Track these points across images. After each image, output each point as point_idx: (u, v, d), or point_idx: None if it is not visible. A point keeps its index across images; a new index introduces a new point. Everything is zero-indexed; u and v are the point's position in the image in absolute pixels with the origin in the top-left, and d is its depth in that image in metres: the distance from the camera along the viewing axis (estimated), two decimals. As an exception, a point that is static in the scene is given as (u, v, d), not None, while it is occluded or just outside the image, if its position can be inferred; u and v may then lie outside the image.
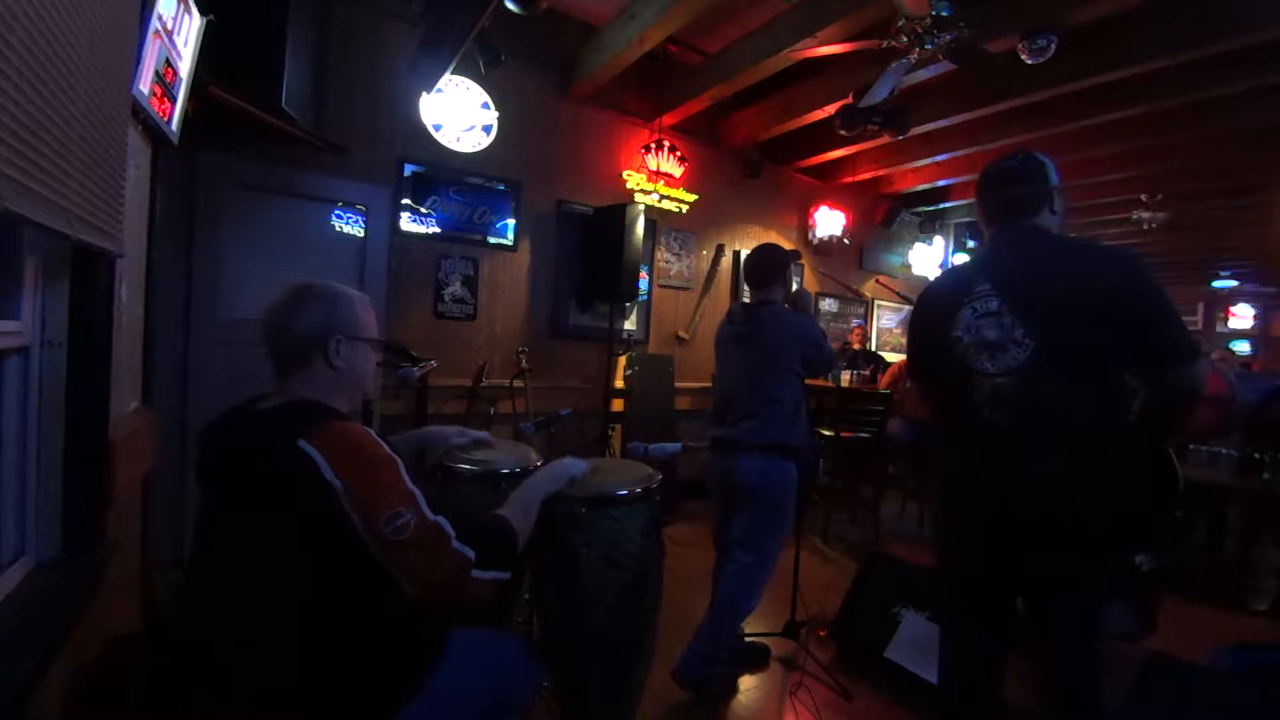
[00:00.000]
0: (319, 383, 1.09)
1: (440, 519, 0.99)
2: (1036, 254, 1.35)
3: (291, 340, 1.08)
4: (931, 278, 6.90)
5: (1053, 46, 2.97)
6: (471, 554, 1.00)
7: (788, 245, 5.44)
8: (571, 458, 1.49)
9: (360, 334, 1.13)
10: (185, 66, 1.75)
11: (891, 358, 5.74)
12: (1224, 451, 3.34)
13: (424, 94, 3.37)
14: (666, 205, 4.45)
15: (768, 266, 2.22)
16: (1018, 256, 1.36)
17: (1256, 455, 3.15)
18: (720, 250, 5.02)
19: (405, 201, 3.46)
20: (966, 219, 7.06)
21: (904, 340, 6.73)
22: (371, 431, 1.02)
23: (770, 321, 2.18)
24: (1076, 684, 1.29)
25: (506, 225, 3.86)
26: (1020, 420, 1.27)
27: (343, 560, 0.95)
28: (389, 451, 1.00)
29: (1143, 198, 5.89)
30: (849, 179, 5.62)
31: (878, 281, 6.48)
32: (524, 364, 3.66)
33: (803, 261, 5.54)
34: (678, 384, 4.59)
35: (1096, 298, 1.22)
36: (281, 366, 1.09)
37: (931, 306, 1.51)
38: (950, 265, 1.72)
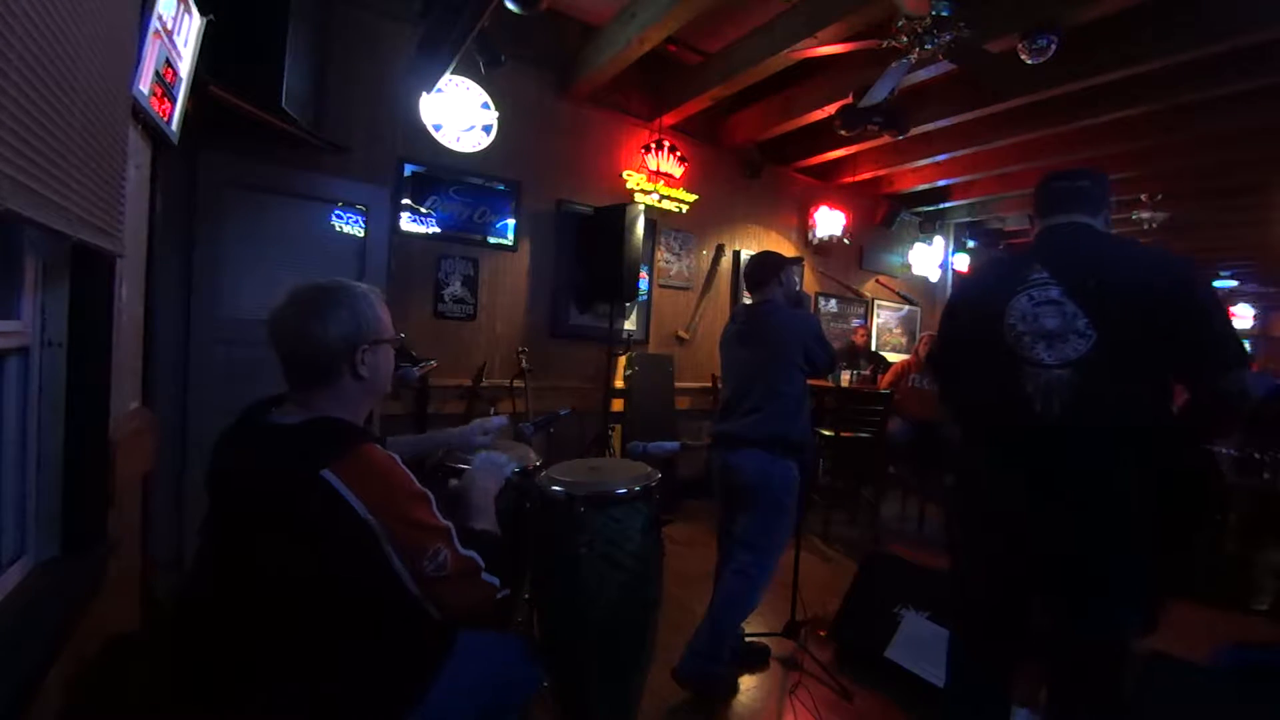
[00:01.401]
0: (346, 397, 1.04)
1: (471, 553, 0.99)
2: (1099, 248, 1.33)
3: (314, 354, 1.00)
4: (932, 278, 6.95)
5: (1053, 46, 2.96)
6: (497, 581, 1.03)
7: (789, 247, 5.47)
8: (487, 453, 1.39)
9: (384, 336, 1.08)
10: (185, 66, 1.75)
11: (893, 358, 5.75)
12: (1224, 451, 3.34)
13: (424, 94, 3.37)
14: (666, 205, 4.45)
15: (762, 268, 2.31)
16: (1079, 248, 1.34)
17: (1256, 455, 3.15)
18: (720, 250, 5.02)
19: (405, 201, 3.46)
20: (966, 219, 7.06)
21: (904, 340, 6.78)
22: (396, 458, 0.99)
23: (772, 318, 2.24)
24: (1103, 686, 1.27)
25: (506, 225, 3.86)
26: (1074, 414, 1.23)
27: (370, 589, 0.94)
28: (420, 486, 0.98)
29: (1143, 198, 5.89)
30: (849, 179, 5.62)
31: (878, 281, 6.49)
32: (524, 364, 3.66)
33: (804, 263, 5.54)
34: (678, 384, 4.59)
35: (1156, 297, 1.21)
36: (299, 380, 1.03)
37: (977, 293, 1.46)
38: (994, 258, 1.65)
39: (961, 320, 1.51)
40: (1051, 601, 1.34)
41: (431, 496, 0.99)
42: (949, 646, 1.54)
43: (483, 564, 1.01)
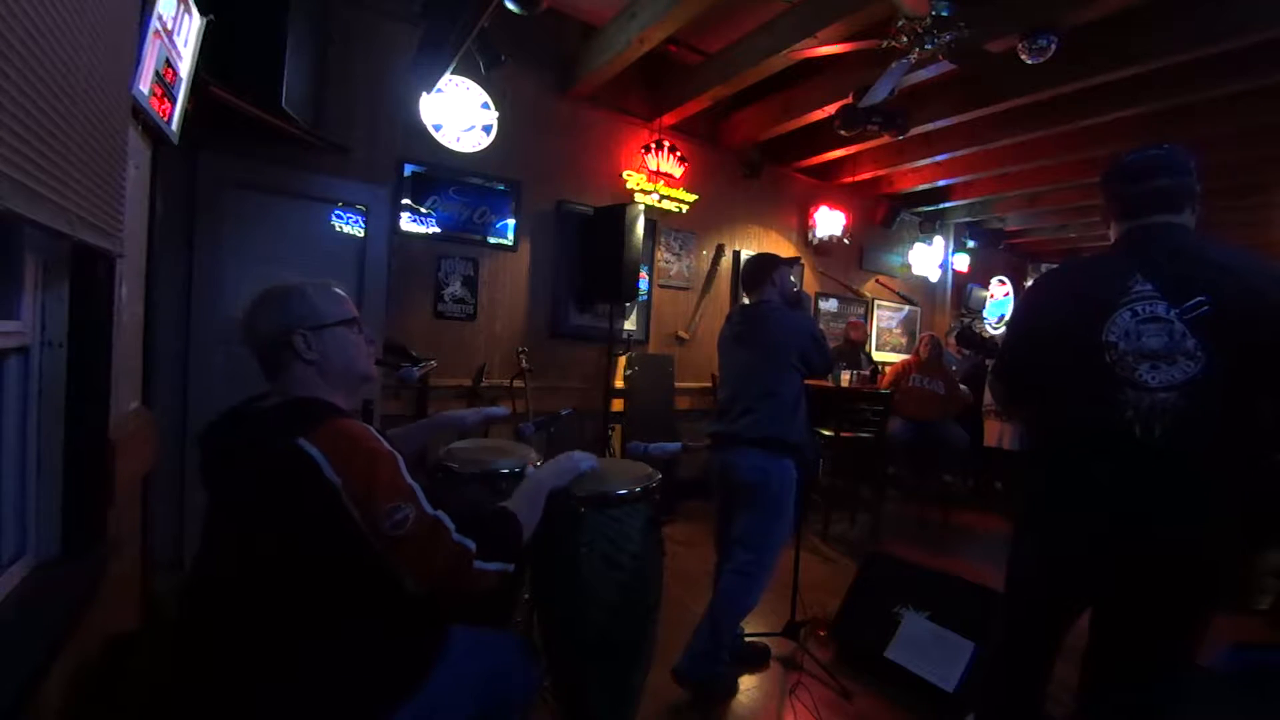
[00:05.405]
0: (308, 380, 1.09)
1: (440, 513, 0.99)
2: (1204, 256, 1.20)
3: (257, 345, 1.09)
4: (932, 278, 6.94)
5: (1053, 46, 2.96)
6: (472, 545, 1.00)
7: (788, 247, 5.46)
8: (581, 452, 1.48)
9: (325, 321, 1.11)
10: (185, 66, 1.75)
11: (892, 358, 5.75)
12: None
13: (424, 94, 3.37)
14: (666, 205, 4.45)
15: (755, 270, 2.32)
16: (1181, 256, 1.21)
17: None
18: (720, 250, 5.02)
19: (405, 201, 3.46)
20: (966, 219, 7.06)
21: (904, 340, 6.76)
22: (371, 428, 1.02)
23: (768, 319, 2.24)
24: (1149, 710, 1.22)
25: (506, 225, 3.86)
26: (1177, 441, 1.14)
27: (344, 558, 0.95)
28: (389, 448, 1.00)
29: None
30: (849, 179, 5.61)
31: (878, 281, 6.48)
32: (524, 364, 3.66)
33: (803, 263, 5.54)
34: (678, 384, 4.59)
35: (1272, 314, 1.12)
36: (265, 370, 1.11)
37: (1069, 304, 1.33)
38: (1080, 262, 1.50)
39: (1045, 330, 1.37)
40: (1116, 625, 1.27)
41: (400, 458, 1.00)
42: (990, 655, 1.47)
43: (453, 526, 0.99)
